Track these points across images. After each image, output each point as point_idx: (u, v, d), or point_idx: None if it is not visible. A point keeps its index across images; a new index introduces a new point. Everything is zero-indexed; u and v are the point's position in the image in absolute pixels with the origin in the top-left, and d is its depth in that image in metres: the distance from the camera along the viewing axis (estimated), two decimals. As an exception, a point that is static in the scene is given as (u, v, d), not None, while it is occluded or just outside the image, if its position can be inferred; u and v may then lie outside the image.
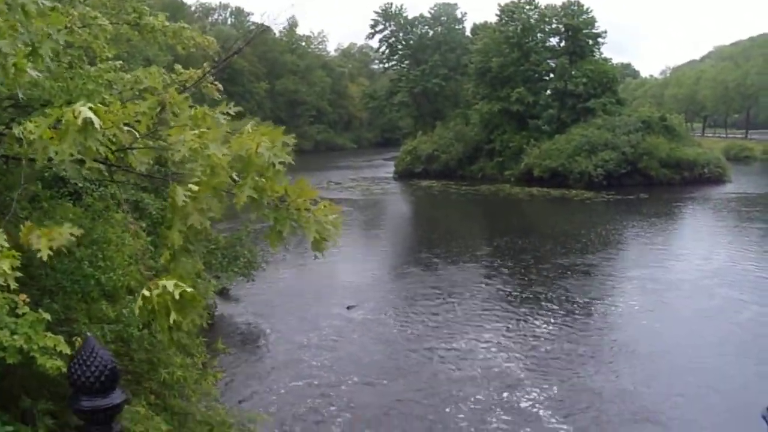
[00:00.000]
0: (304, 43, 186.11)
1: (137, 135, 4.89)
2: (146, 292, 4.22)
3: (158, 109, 5.05)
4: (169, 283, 4.23)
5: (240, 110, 5.16)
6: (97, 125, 4.27)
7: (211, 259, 26.07)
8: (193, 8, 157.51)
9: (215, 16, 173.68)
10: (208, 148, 4.41)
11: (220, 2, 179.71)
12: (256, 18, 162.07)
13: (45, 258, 4.41)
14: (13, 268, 4.35)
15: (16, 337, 7.64)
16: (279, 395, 22.84)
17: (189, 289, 4.27)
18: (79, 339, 8.81)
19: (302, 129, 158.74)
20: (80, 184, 12.72)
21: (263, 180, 4.44)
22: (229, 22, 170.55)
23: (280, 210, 4.54)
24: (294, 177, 4.50)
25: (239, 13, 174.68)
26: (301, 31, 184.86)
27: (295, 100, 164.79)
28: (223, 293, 30.50)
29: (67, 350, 7.93)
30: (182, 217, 4.57)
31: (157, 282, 4.26)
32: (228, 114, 4.94)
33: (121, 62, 11.89)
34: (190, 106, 5.08)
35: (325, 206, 4.64)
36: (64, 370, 7.90)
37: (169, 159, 5.20)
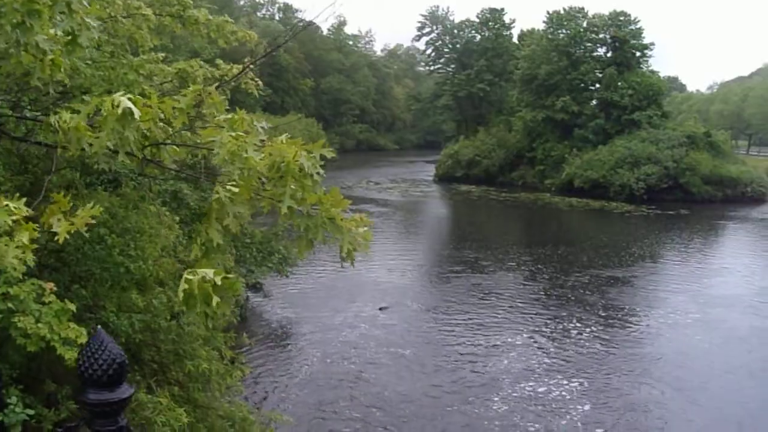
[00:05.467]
0: (351, 42, 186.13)
1: (170, 131, 4.91)
2: (189, 276, 4.24)
3: (196, 106, 5.06)
4: (209, 271, 4.27)
5: (271, 126, 5.16)
6: (136, 115, 4.30)
7: (245, 253, 26.14)
8: (241, 2, 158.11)
9: (263, 11, 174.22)
10: (246, 151, 4.41)
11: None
12: (303, 15, 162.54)
13: (61, 241, 4.43)
14: (31, 240, 4.36)
15: (40, 325, 7.68)
16: (304, 392, 22.87)
17: (230, 276, 4.32)
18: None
19: (345, 128, 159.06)
20: (120, 172, 12.74)
21: (300, 189, 4.43)
22: (277, 17, 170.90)
23: (313, 218, 4.54)
24: (333, 178, 4.50)
25: (287, 9, 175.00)
26: (348, 29, 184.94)
27: (339, 99, 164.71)
28: (256, 287, 30.55)
29: (89, 342, 7.95)
30: (219, 218, 4.59)
31: (196, 270, 4.29)
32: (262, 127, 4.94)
33: (164, 54, 11.94)
34: (227, 109, 5.11)
35: (358, 218, 4.64)
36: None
37: (201, 156, 5.22)
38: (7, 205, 4.28)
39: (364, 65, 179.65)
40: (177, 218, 14.13)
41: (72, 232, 4.64)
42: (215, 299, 4.23)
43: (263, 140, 4.64)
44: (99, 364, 3.94)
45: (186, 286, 4.23)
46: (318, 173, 4.46)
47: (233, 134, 4.52)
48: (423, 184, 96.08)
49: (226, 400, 14.08)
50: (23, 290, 7.72)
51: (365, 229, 4.66)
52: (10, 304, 7.80)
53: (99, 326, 4.45)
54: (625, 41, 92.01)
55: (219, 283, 4.24)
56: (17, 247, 4.33)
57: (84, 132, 4.53)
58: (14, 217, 4.26)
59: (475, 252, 47.80)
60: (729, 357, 26.88)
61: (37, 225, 4.48)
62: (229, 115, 4.91)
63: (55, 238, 4.50)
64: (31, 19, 4.55)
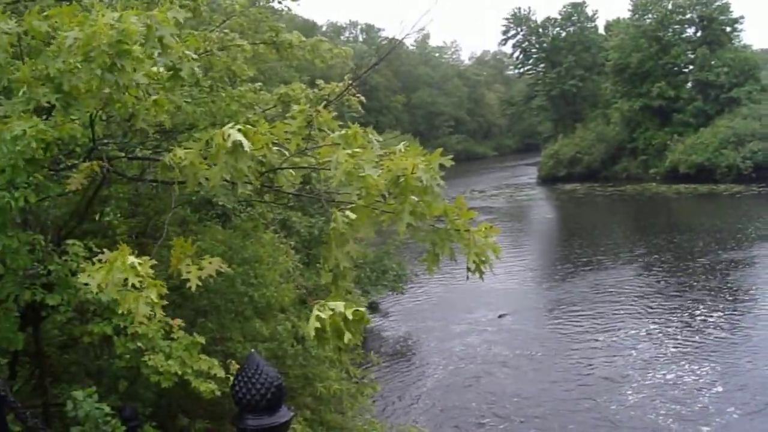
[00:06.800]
0: (437, 54, 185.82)
1: (286, 154, 4.83)
2: (321, 314, 4.14)
3: (306, 127, 4.98)
4: (339, 305, 4.15)
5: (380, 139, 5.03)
6: (246, 147, 4.22)
7: (359, 273, 26.15)
8: (324, 28, 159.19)
9: (346, 34, 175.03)
10: (362, 169, 4.27)
11: (350, 20, 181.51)
12: (387, 32, 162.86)
13: (194, 288, 4.40)
14: (160, 297, 4.35)
15: (171, 361, 7.75)
16: (433, 400, 22.88)
17: (361, 309, 4.20)
18: (233, 361, 8.88)
19: (441, 140, 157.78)
20: (228, 206, 12.86)
21: (421, 203, 4.27)
22: (360, 38, 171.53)
23: (438, 232, 4.37)
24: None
25: (370, 29, 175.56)
26: (433, 42, 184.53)
27: (432, 112, 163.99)
28: (373, 307, 30.60)
29: (221, 373, 8.01)
30: (340, 244, 4.48)
31: (326, 304, 4.19)
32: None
33: (260, 84, 12.02)
34: (340, 125, 5.00)
35: (485, 228, 4.42)
36: (218, 393, 8.00)
37: (318, 178, 5.12)
38: (132, 263, 4.27)
39: (453, 76, 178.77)
40: (292, 243, 14.23)
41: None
42: (347, 335, 4.13)
43: (380, 155, 4.50)
44: (257, 388, 3.85)
45: (318, 324, 4.14)
46: (438, 185, 4.30)
47: (349, 152, 4.40)
48: (527, 187, 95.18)
49: (360, 419, 14.06)
50: (151, 329, 7.80)
51: (494, 239, 4.45)
52: (139, 344, 7.91)
53: (253, 350, 4.40)
54: (713, 18, 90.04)
55: (350, 317, 4.13)
56: (146, 304, 4.33)
57: (199, 167, 4.49)
58: (140, 278, 4.26)
59: (588, 250, 47.25)
60: None
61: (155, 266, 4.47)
62: (343, 131, 4.80)
63: (187, 285, 4.49)
64: (122, 60, 4.51)
